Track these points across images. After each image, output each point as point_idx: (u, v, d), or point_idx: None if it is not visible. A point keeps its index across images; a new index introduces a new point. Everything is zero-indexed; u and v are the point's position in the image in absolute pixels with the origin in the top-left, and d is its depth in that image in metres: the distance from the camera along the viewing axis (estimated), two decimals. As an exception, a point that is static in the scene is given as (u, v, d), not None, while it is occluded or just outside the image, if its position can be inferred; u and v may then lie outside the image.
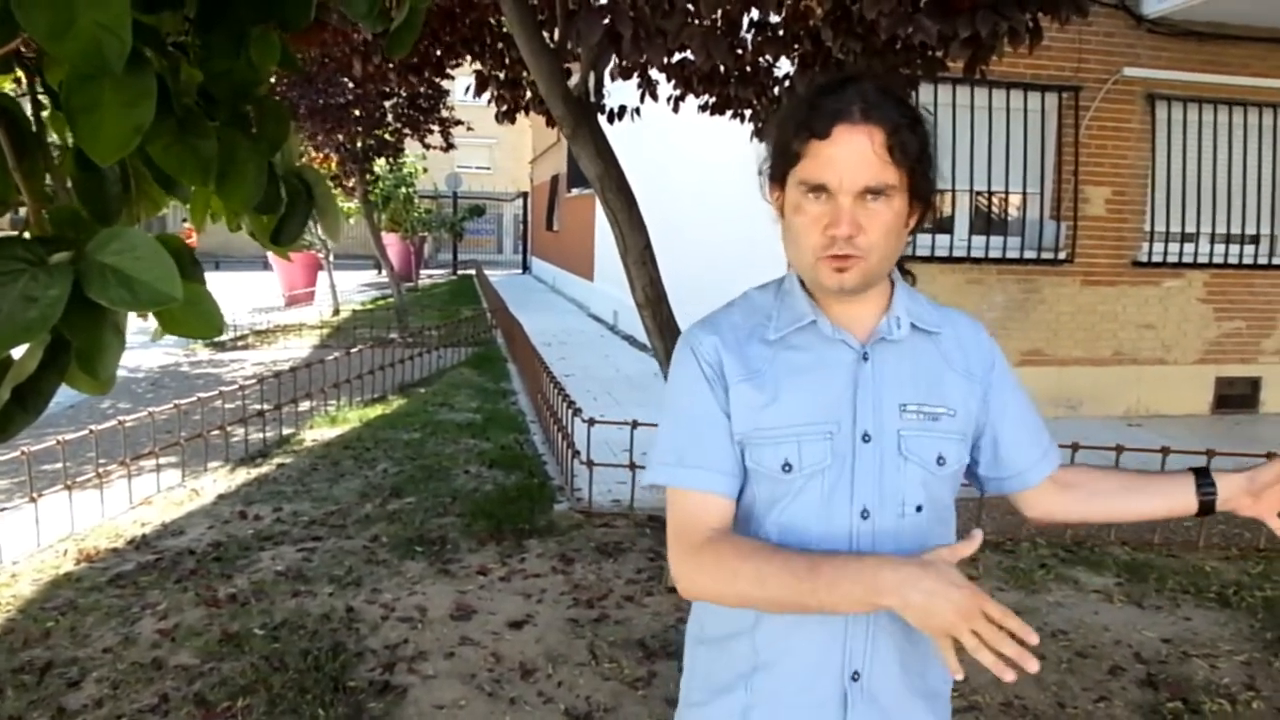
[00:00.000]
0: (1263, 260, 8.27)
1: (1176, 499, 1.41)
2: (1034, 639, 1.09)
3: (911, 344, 1.32)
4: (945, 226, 7.71)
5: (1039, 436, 1.42)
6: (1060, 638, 3.74)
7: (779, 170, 1.28)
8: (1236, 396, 8.32)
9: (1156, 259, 7.99)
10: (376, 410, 7.88)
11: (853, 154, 1.19)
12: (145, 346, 10.56)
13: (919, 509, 1.29)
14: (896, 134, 1.19)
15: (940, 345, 1.34)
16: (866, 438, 1.27)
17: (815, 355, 1.30)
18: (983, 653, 1.10)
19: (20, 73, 1.18)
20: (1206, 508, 1.40)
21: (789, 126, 1.25)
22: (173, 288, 0.85)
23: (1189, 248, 8.07)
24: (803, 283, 1.33)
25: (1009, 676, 1.11)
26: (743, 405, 1.29)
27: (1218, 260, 8.13)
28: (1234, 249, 8.18)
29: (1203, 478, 1.41)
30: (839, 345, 1.30)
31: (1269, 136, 8.12)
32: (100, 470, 5.08)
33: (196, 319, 1.01)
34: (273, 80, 8.64)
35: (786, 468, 1.27)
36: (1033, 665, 1.11)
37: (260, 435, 6.75)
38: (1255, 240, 8.29)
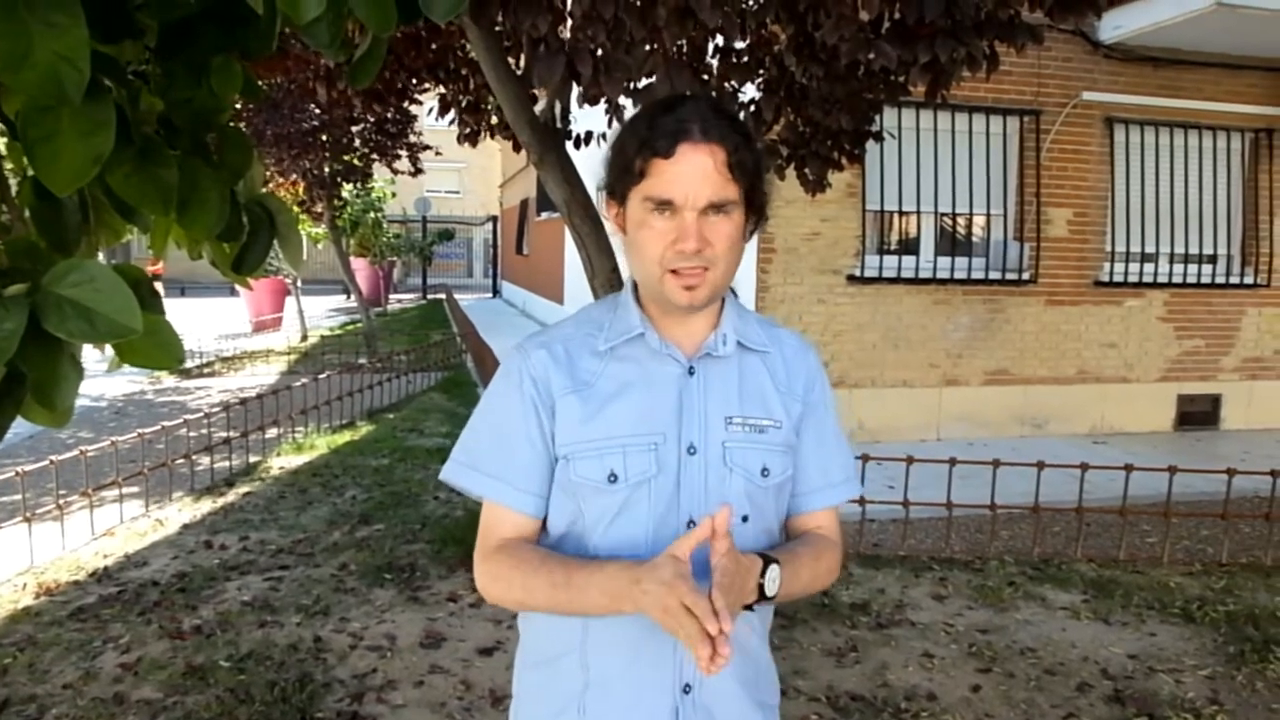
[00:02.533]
0: (1220, 280, 8.44)
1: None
2: (714, 628, 1.07)
3: (738, 360, 1.36)
4: (911, 248, 7.82)
5: (828, 467, 1.42)
6: (1029, 655, 3.77)
7: (621, 187, 1.30)
8: (1198, 413, 8.46)
9: (1118, 279, 8.14)
10: (345, 436, 7.81)
11: (696, 171, 1.22)
12: (108, 375, 10.43)
13: (744, 519, 1.32)
14: (736, 152, 1.24)
15: (767, 362, 1.38)
16: (692, 449, 1.30)
17: (642, 368, 1.33)
18: (692, 646, 1.10)
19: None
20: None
21: (630, 145, 1.27)
22: (132, 320, 0.85)
23: (1149, 268, 8.22)
24: (637, 297, 1.36)
25: (707, 669, 1.08)
26: (568, 418, 1.31)
27: (1177, 280, 8.29)
28: (1192, 269, 8.35)
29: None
30: (666, 359, 1.33)
31: (1223, 158, 8.31)
32: (61, 501, 4.98)
33: (156, 349, 1.00)
34: (237, 106, 8.60)
35: (612, 478, 1.28)
36: (715, 664, 1.07)
37: (226, 463, 6.67)
38: (1213, 260, 8.46)
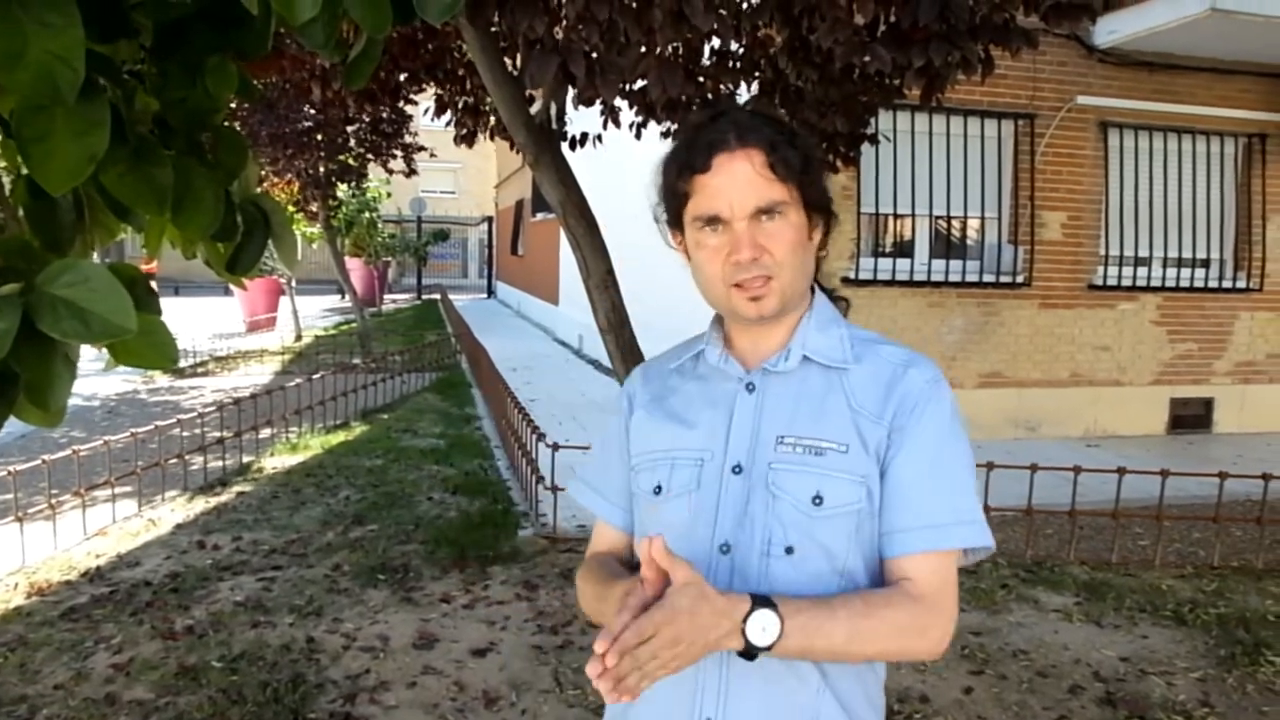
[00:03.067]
0: (1213, 284, 8.47)
1: None
2: (599, 647, 1.01)
3: (802, 376, 1.26)
4: (906, 251, 7.83)
5: (925, 505, 1.20)
6: (1021, 657, 3.78)
7: (674, 214, 1.29)
8: (1191, 417, 8.49)
9: (1111, 282, 8.16)
10: (339, 437, 7.80)
11: (736, 179, 1.20)
12: (102, 374, 10.40)
13: (789, 550, 1.19)
14: (775, 151, 1.20)
15: (844, 380, 1.25)
16: (737, 469, 1.24)
17: (706, 384, 1.32)
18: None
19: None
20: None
21: (671, 169, 1.27)
22: (127, 320, 0.84)
23: (1142, 271, 8.25)
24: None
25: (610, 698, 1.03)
26: (639, 432, 1.35)
27: (1170, 284, 8.31)
28: (1185, 272, 8.38)
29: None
30: (724, 375, 1.30)
31: (1216, 163, 8.35)
32: (53, 501, 4.97)
33: (150, 350, 1.00)
34: (233, 106, 8.57)
35: (657, 490, 1.29)
36: (604, 687, 1.01)
37: (220, 463, 6.66)
38: (1206, 264, 8.49)
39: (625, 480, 1.36)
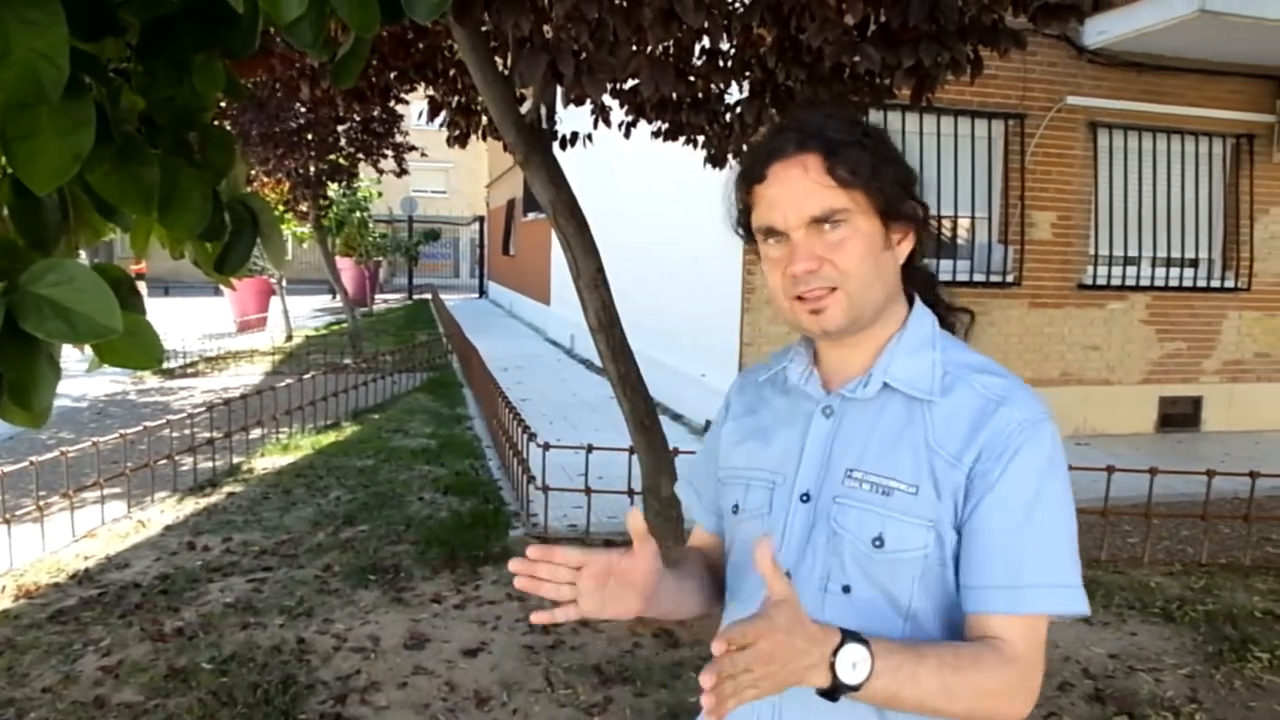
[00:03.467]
0: (1201, 283, 8.52)
1: None
2: (718, 648, 0.96)
3: (882, 405, 1.17)
4: (896, 250, 7.83)
5: (1012, 563, 1.09)
6: (1011, 656, 3.79)
7: (745, 227, 1.25)
8: (1179, 415, 8.53)
9: (1100, 282, 8.19)
10: (329, 437, 7.78)
11: (790, 188, 1.15)
12: (89, 375, 10.36)
13: (845, 589, 1.14)
14: (835, 154, 1.13)
15: (929, 414, 1.14)
16: (806, 498, 1.18)
17: (789, 403, 1.26)
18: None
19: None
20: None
21: (738, 183, 1.23)
22: (112, 320, 0.84)
23: (1131, 271, 8.29)
24: None
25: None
26: (726, 444, 1.33)
27: (1159, 283, 8.35)
28: (1174, 272, 8.42)
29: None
30: (804, 396, 1.24)
31: (1204, 163, 8.39)
32: (41, 503, 4.95)
33: (135, 350, 1.00)
34: (223, 105, 8.54)
35: (735, 509, 1.27)
36: (706, 703, 0.96)
37: (210, 464, 6.63)
38: (1194, 264, 8.53)
39: (715, 486, 1.35)
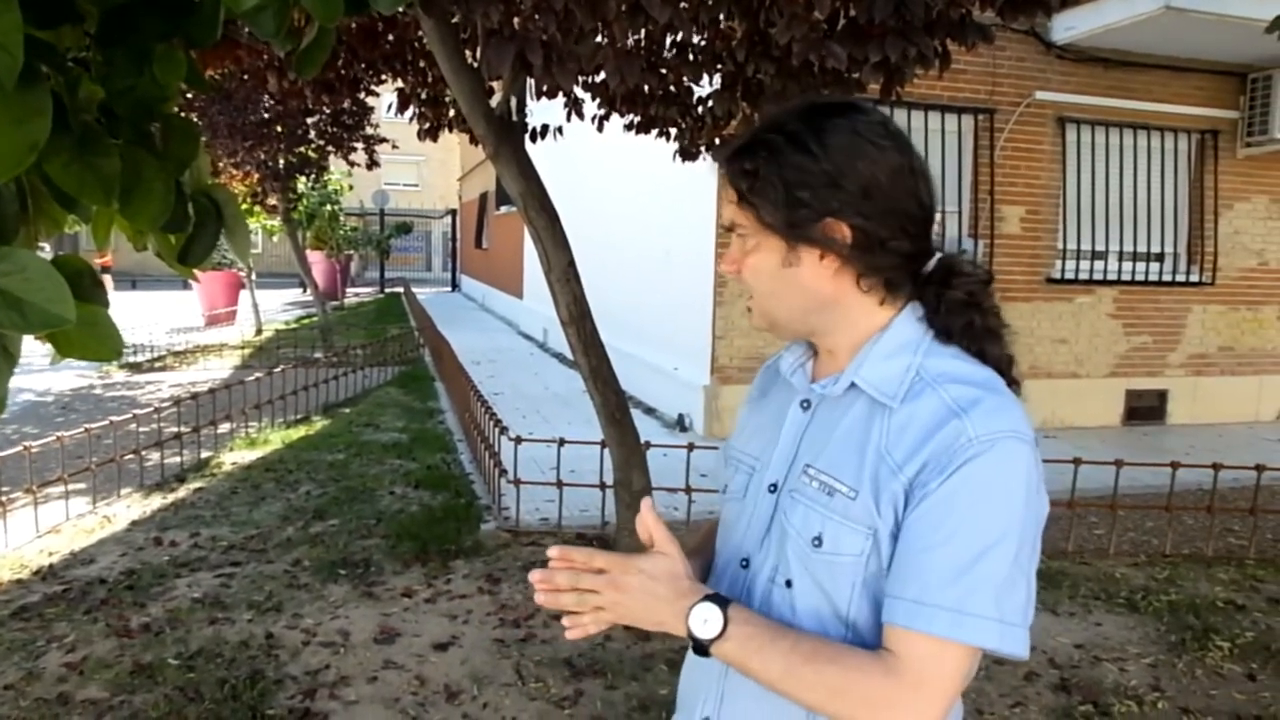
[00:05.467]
0: (1167, 277, 8.64)
1: None
2: (553, 553, 1.13)
3: (847, 405, 1.15)
4: (867, 244, 7.88)
5: (918, 578, 1.03)
6: (979, 646, 3.83)
7: None
8: (1145, 408, 8.65)
9: (1069, 276, 8.29)
10: (299, 431, 7.72)
11: (725, 190, 1.17)
12: (53, 368, 10.20)
13: (788, 584, 1.14)
14: (736, 165, 1.12)
15: (888, 420, 1.10)
16: (773, 487, 1.20)
17: (782, 392, 1.28)
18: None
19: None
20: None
21: None
22: (64, 310, 0.83)
23: (1099, 265, 8.39)
24: None
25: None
26: (739, 423, 1.37)
27: (1126, 277, 8.46)
28: (1141, 266, 8.53)
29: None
30: (790, 387, 1.25)
31: (1171, 159, 8.50)
32: (4, 498, 4.87)
33: (93, 341, 0.98)
34: (189, 97, 8.42)
35: (724, 489, 1.30)
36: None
37: (177, 459, 6.56)
38: (1160, 258, 8.65)
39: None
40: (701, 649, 1.07)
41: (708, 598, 1.07)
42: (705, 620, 1.05)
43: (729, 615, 1.05)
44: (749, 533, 1.21)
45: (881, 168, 1.09)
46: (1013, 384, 1.17)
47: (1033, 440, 1.07)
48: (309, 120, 11.65)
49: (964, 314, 1.15)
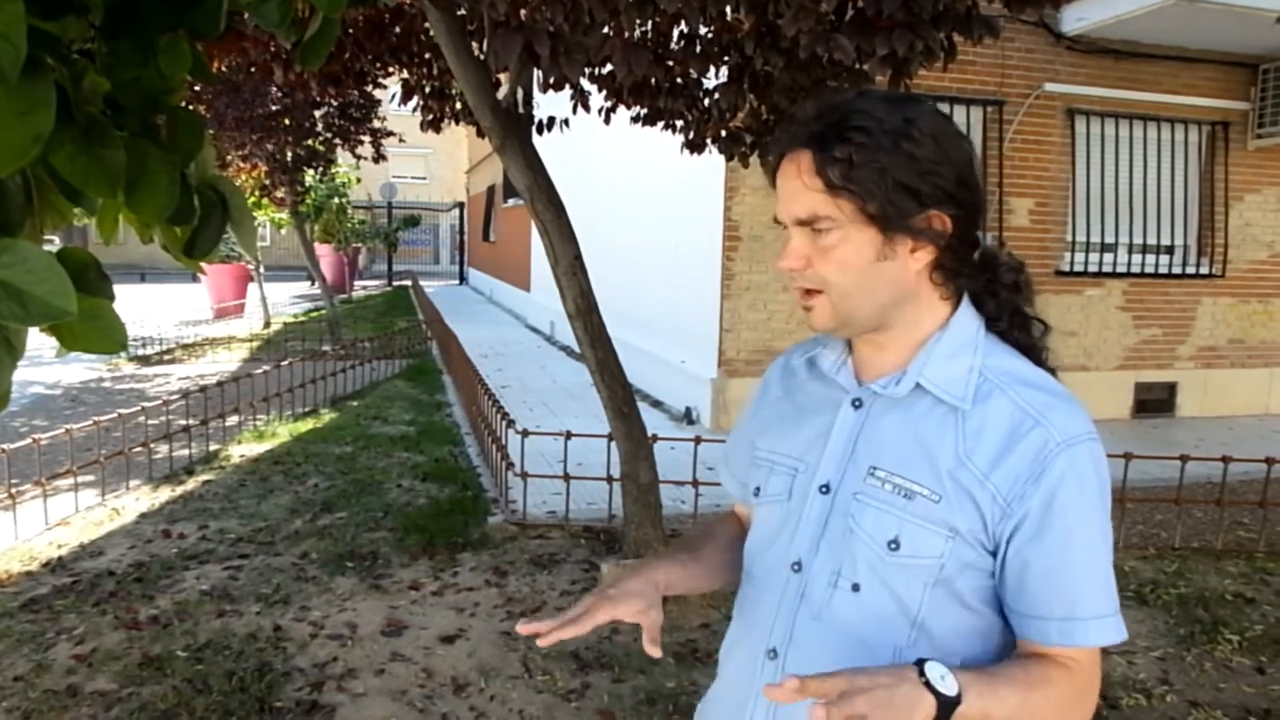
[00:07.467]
0: (1177, 270, 8.59)
1: None
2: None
3: (912, 405, 1.12)
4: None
5: (1063, 598, 1.06)
6: (986, 639, 3.82)
7: None
8: (1155, 401, 8.62)
9: (1078, 268, 8.25)
10: (307, 424, 7.73)
11: (787, 184, 1.11)
12: (65, 362, 10.24)
13: (855, 588, 1.11)
14: (824, 153, 1.06)
15: (963, 422, 1.09)
16: (825, 489, 1.16)
17: (819, 390, 1.23)
18: None
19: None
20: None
21: (770, 169, 1.20)
22: (66, 302, 0.83)
23: (1108, 257, 8.35)
24: None
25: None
26: (760, 424, 1.32)
27: (1135, 270, 8.43)
28: (1150, 259, 8.49)
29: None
30: (835, 385, 1.20)
31: (1180, 150, 8.45)
32: (13, 491, 4.90)
33: (97, 334, 0.98)
34: (196, 89, 8.42)
35: (757, 492, 1.27)
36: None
37: (185, 452, 6.58)
38: (1170, 250, 8.60)
39: (747, 460, 1.32)
40: (950, 707, 0.95)
41: (920, 661, 0.97)
42: (941, 676, 0.96)
43: (948, 666, 0.97)
44: (799, 535, 1.17)
45: (965, 157, 1.11)
46: (1051, 372, 1.21)
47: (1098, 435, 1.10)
48: (316, 113, 11.65)
49: (1012, 300, 1.19)
